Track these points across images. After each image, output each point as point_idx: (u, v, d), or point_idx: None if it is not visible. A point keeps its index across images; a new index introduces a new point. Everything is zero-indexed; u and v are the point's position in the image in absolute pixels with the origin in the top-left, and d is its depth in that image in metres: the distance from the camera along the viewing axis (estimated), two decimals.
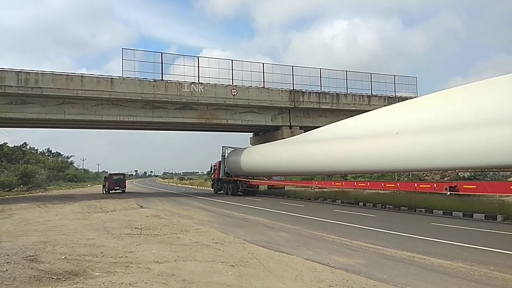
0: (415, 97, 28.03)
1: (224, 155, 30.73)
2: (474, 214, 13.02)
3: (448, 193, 13.11)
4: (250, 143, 33.21)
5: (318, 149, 19.11)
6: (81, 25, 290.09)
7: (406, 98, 27.95)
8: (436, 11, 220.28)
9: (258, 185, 29.01)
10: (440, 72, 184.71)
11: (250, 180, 27.66)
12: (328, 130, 19.68)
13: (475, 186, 13.72)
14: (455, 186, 13.12)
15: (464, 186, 13.30)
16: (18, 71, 22.00)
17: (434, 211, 14.36)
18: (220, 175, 30.96)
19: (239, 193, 28.52)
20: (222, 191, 30.93)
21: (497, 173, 24.18)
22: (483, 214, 12.74)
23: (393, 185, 17.81)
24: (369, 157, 15.22)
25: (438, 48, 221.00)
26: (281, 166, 23.26)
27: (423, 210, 14.84)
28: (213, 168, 33.71)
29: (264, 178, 29.54)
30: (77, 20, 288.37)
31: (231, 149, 31.03)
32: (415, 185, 16.06)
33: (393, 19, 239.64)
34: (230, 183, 29.70)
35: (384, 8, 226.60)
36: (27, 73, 22.16)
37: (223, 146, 31.12)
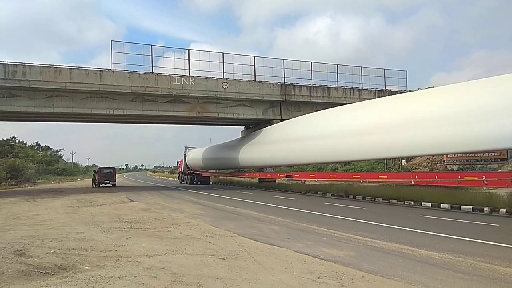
0: (405, 90, 28.30)
1: (185, 154, 39.08)
2: (462, 206, 13.20)
3: (285, 179, 22.35)
4: (241, 137, 33.24)
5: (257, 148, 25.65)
6: (68, 19, 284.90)
7: (396, 92, 28.15)
8: (417, 8, 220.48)
9: (209, 176, 37.26)
10: (424, 68, 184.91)
11: (202, 173, 37.01)
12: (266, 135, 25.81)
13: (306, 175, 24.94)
14: (291, 175, 22.57)
15: (295, 175, 23.76)
16: (5, 63, 21.54)
17: (422, 203, 14.56)
18: (183, 169, 39.82)
19: (198, 183, 36.42)
20: (184, 182, 39.40)
21: (485, 165, 24.53)
22: (471, 206, 12.94)
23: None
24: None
25: (420, 45, 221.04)
26: (218, 163, 32.72)
27: (412, 202, 15.03)
28: (178, 163, 44.09)
29: (256, 171, 30.11)
30: (64, 14, 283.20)
31: (190, 148, 39.56)
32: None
33: (376, 16, 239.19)
34: (189, 175, 38.44)
35: (366, 6, 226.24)
36: (15, 65, 21.73)
37: (185, 147, 40.00)
